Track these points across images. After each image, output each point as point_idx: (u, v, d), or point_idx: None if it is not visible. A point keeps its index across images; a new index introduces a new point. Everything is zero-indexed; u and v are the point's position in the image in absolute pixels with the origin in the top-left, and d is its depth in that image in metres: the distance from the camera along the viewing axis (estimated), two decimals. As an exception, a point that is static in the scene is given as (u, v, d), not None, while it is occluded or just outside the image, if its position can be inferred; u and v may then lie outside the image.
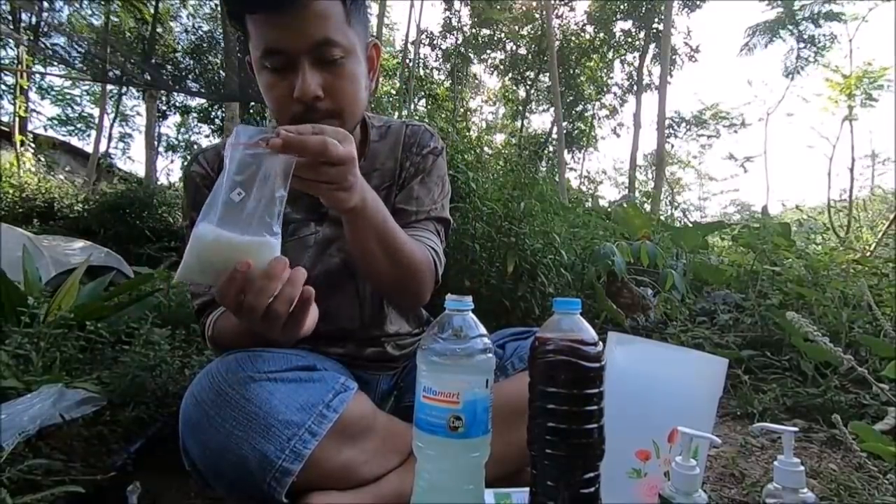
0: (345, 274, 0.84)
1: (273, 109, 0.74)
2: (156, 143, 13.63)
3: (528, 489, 0.53)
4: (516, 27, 14.95)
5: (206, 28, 12.11)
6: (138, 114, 17.22)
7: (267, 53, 0.70)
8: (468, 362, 0.54)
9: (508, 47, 15.72)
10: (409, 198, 0.87)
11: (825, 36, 12.25)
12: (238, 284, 0.55)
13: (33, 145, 8.19)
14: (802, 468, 0.49)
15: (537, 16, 14.48)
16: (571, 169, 17.55)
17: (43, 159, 8.65)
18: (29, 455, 0.82)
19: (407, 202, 0.87)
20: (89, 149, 11.48)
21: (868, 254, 3.41)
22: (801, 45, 12.70)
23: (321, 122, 0.67)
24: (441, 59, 16.41)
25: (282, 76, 0.70)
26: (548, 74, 13.35)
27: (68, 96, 15.88)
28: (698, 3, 13.74)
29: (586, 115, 16.71)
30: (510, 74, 16.41)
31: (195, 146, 17.08)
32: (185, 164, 0.86)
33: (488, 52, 16.13)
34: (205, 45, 11.17)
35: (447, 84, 16.09)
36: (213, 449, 0.63)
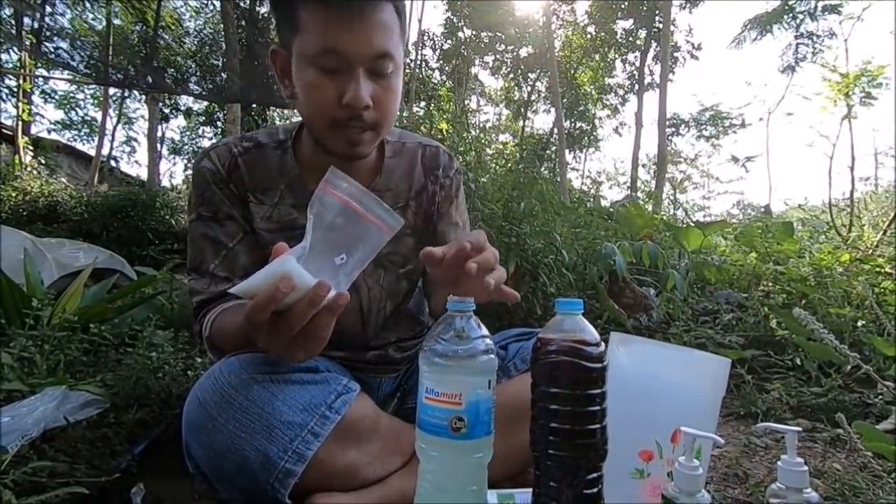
0: (349, 288, 0.85)
1: (311, 109, 0.72)
2: (158, 145, 13.67)
3: (531, 490, 0.53)
4: (514, 30, 14.94)
5: (208, 31, 12.15)
6: (142, 117, 17.28)
7: (324, 53, 0.67)
8: (470, 363, 0.54)
9: (510, 48, 15.72)
10: (450, 223, 0.92)
11: (824, 31, 12.21)
12: (277, 303, 0.53)
13: (32, 148, 8.21)
14: (806, 468, 0.49)
15: (538, 17, 14.50)
16: (573, 169, 17.56)
17: (45, 162, 8.67)
18: (33, 457, 0.82)
19: (450, 229, 0.92)
20: (93, 152, 11.52)
21: (871, 252, 3.39)
22: (799, 40, 12.63)
23: (361, 133, 0.71)
24: (442, 61, 16.42)
25: (332, 78, 0.69)
26: (549, 75, 13.33)
27: (72, 100, 15.96)
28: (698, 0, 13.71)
29: (588, 114, 16.69)
30: (511, 76, 16.42)
31: (199, 148, 17.14)
32: (195, 158, 0.84)
33: (489, 52, 16.14)
34: (206, 47, 11.20)
35: (449, 84, 16.09)
36: (216, 450, 0.63)
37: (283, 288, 0.51)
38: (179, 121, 16.63)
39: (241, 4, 10.24)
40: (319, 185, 0.58)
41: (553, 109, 13.04)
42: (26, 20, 8.68)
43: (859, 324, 1.87)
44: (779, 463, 0.50)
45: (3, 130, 8.98)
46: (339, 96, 0.69)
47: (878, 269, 2.54)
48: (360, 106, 0.68)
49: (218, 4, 10.01)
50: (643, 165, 18.30)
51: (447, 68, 16.42)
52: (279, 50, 0.76)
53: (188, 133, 17.68)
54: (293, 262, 0.54)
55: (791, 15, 12.06)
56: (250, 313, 0.53)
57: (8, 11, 8.13)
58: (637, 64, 15.45)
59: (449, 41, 15.79)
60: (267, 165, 0.83)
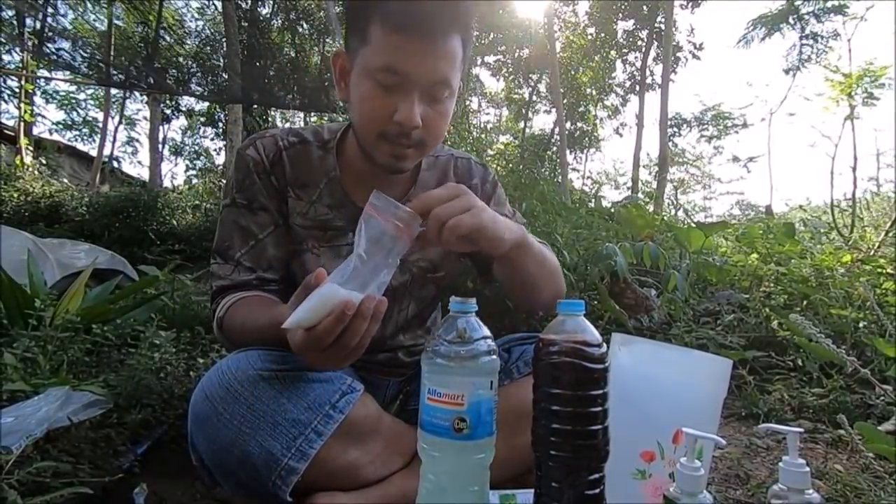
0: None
1: (362, 119, 0.74)
2: (160, 146, 13.69)
3: (532, 490, 0.53)
4: (516, 31, 14.92)
5: (209, 31, 12.17)
6: (144, 118, 17.30)
7: (386, 70, 0.70)
8: (473, 364, 0.54)
9: (511, 49, 15.70)
10: None
11: (828, 32, 12.19)
12: (342, 324, 0.55)
13: (32, 149, 8.21)
14: (808, 469, 0.49)
15: (539, 19, 14.49)
16: (574, 169, 17.51)
17: (47, 163, 8.69)
18: (37, 457, 0.82)
19: None
20: (95, 152, 11.54)
21: (872, 253, 3.39)
22: (804, 41, 12.62)
23: (406, 149, 0.74)
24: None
25: (388, 93, 0.71)
26: (550, 75, 13.32)
27: (73, 100, 15.99)
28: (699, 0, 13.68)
29: (588, 115, 16.68)
30: (513, 77, 16.40)
31: (200, 149, 17.18)
32: (241, 144, 0.87)
33: (490, 53, 16.12)
34: (208, 48, 11.22)
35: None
36: (220, 444, 0.64)
37: (349, 310, 0.54)
38: (181, 121, 16.65)
39: (243, 5, 10.25)
40: (365, 209, 0.60)
41: (554, 110, 13.02)
42: (28, 21, 8.70)
43: (861, 325, 1.87)
44: (780, 464, 0.50)
45: (5, 131, 9.00)
46: (392, 112, 0.71)
47: (879, 271, 2.54)
48: (410, 125, 0.71)
49: (219, 5, 10.03)
50: (644, 166, 18.28)
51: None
52: (342, 54, 0.78)
53: (189, 134, 17.71)
54: (339, 288, 0.57)
55: (796, 16, 12.05)
56: (316, 340, 0.55)
57: (10, 12, 8.15)
58: (638, 64, 15.43)
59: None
60: (309, 162, 0.85)
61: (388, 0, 0.68)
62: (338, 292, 0.56)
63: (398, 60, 0.69)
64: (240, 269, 0.81)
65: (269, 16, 11.11)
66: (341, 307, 0.54)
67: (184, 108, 15.01)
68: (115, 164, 13.40)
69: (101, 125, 12.92)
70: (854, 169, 5.10)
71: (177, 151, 17.95)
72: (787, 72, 13.21)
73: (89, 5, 10.20)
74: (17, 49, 9.08)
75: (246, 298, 0.78)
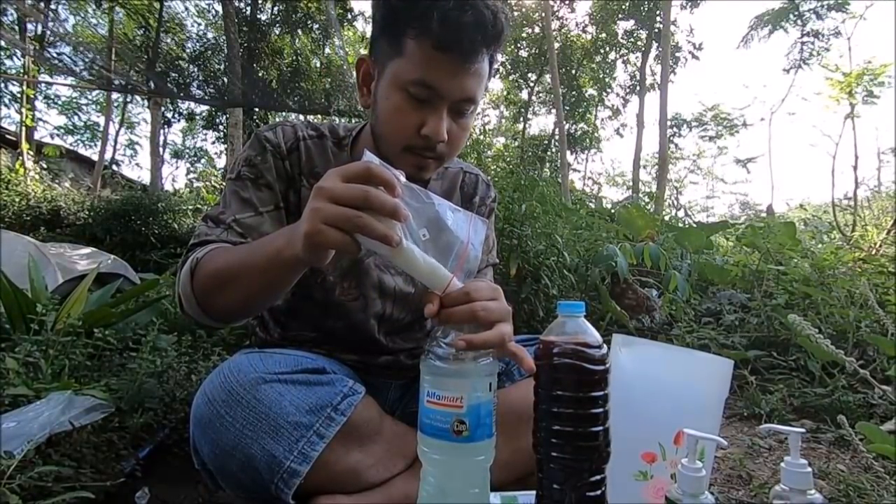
0: (378, 293, 0.85)
1: (389, 129, 0.74)
2: (161, 149, 13.72)
3: (534, 492, 0.53)
4: (514, 31, 14.96)
5: (210, 35, 12.19)
6: (144, 121, 17.35)
7: (419, 84, 0.70)
8: (471, 366, 0.54)
9: (510, 49, 15.74)
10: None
11: (829, 30, 12.22)
12: (381, 182, 0.51)
13: (33, 153, 8.23)
14: (810, 469, 0.49)
15: (537, 17, 14.51)
16: (575, 170, 17.51)
17: (48, 167, 8.71)
18: (39, 462, 0.82)
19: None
20: (96, 156, 11.57)
21: (874, 252, 3.38)
22: (805, 38, 12.63)
23: (429, 161, 0.74)
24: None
25: (417, 106, 0.72)
26: (549, 76, 13.33)
27: (75, 105, 16.06)
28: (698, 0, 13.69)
29: (589, 116, 16.70)
30: (512, 77, 16.42)
31: (201, 152, 17.24)
32: (257, 129, 0.86)
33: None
34: (208, 51, 11.24)
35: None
36: (222, 447, 0.64)
37: (397, 190, 0.51)
38: (181, 124, 16.67)
39: (242, 8, 10.28)
40: (472, 216, 0.57)
41: (554, 111, 13.03)
42: (29, 26, 8.74)
43: (863, 324, 1.86)
44: (782, 464, 0.50)
45: (7, 136, 9.03)
46: (420, 125, 0.72)
47: (881, 269, 2.54)
48: (438, 139, 0.72)
49: (220, 9, 10.06)
50: (644, 167, 18.29)
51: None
52: (367, 60, 0.78)
53: (190, 136, 17.76)
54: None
55: (797, 13, 12.09)
56: (359, 168, 0.52)
57: (12, 17, 8.19)
58: (638, 65, 15.45)
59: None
60: (325, 156, 0.85)
61: (426, 15, 0.67)
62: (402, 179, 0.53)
63: (432, 76, 0.69)
64: (230, 232, 0.75)
65: (269, 20, 11.14)
66: (394, 175, 0.51)
67: (184, 112, 15.05)
68: (115, 167, 13.41)
69: (102, 129, 12.96)
70: (855, 168, 5.10)
71: (177, 154, 18.00)
72: (787, 70, 13.23)
73: (90, 10, 10.24)
74: (19, 54, 9.12)
75: (237, 245, 0.72)
